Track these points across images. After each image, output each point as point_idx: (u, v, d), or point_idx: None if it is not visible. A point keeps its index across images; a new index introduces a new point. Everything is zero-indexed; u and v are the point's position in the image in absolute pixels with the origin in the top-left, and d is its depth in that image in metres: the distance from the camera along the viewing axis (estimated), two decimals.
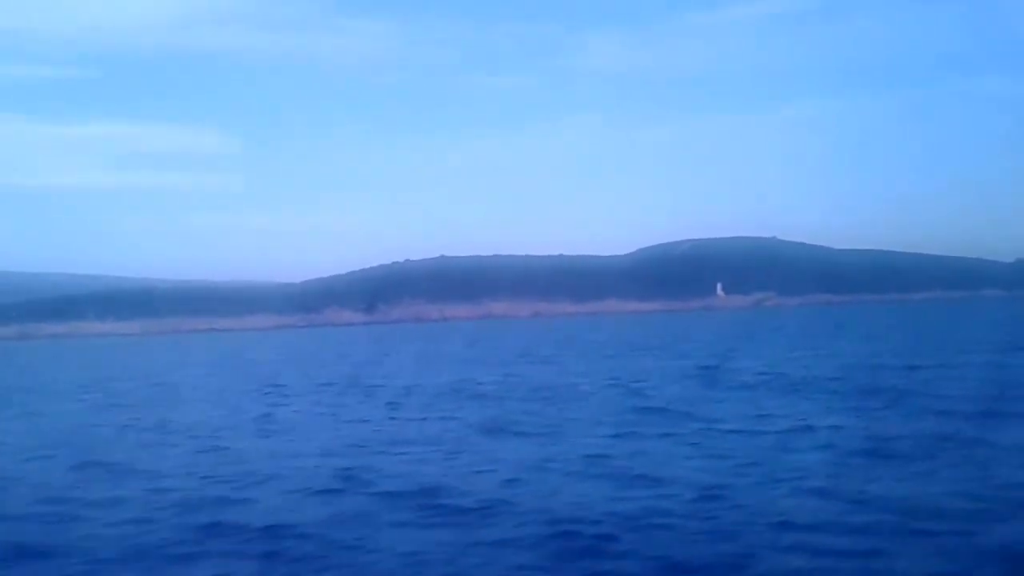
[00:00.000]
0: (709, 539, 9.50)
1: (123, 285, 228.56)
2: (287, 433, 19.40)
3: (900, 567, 8.46)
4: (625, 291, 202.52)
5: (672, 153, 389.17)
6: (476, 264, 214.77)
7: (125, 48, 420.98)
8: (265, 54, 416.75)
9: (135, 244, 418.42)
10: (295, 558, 9.40)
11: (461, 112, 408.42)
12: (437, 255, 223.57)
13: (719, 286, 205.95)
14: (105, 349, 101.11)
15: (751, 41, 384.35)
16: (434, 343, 73.90)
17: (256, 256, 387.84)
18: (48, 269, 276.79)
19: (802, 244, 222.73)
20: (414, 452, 15.85)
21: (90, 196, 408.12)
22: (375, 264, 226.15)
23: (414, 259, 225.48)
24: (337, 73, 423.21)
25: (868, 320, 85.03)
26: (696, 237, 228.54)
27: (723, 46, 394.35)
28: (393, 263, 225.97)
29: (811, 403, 20.71)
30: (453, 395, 26.41)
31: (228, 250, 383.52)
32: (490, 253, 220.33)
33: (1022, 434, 15.25)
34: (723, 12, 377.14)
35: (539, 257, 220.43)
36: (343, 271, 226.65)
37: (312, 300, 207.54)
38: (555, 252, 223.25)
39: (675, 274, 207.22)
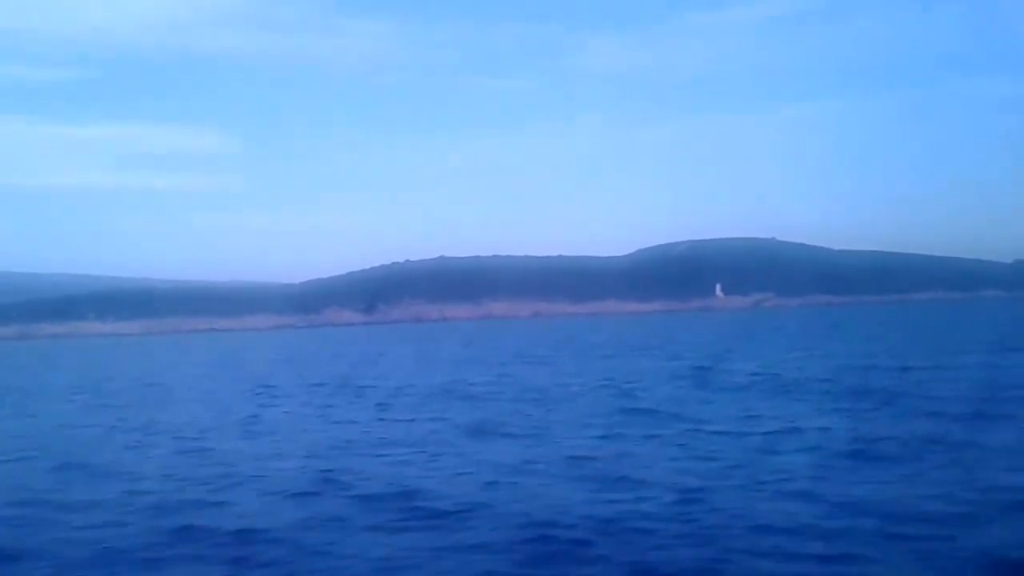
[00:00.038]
0: (684, 543, 9.37)
1: (123, 285, 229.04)
2: (272, 434, 19.26)
3: (875, 572, 8.32)
4: (624, 291, 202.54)
5: (672, 153, 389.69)
6: (476, 264, 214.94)
7: (125, 49, 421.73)
8: (265, 55, 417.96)
9: (135, 244, 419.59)
10: (263, 563, 9.29)
11: (461, 112, 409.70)
12: (437, 255, 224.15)
13: (718, 287, 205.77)
14: (104, 349, 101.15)
15: (751, 42, 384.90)
16: (431, 343, 73.86)
17: (256, 256, 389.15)
18: (48, 269, 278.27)
19: (801, 245, 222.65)
20: (397, 454, 15.73)
21: (90, 196, 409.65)
22: (375, 264, 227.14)
23: (414, 259, 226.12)
24: (337, 74, 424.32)
25: (866, 321, 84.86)
26: (695, 238, 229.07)
27: (723, 47, 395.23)
28: (393, 263, 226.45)
29: (802, 404, 20.57)
30: (444, 396, 26.28)
31: (228, 250, 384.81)
32: (490, 253, 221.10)
33: (1010, 436, 15.09)
34: (723, 13, 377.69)
35: (539, 257, 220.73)
36: (343, 271, 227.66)
37: (312, 300, 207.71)
38: (554, 252, 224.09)
39: (674, 275, 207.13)
